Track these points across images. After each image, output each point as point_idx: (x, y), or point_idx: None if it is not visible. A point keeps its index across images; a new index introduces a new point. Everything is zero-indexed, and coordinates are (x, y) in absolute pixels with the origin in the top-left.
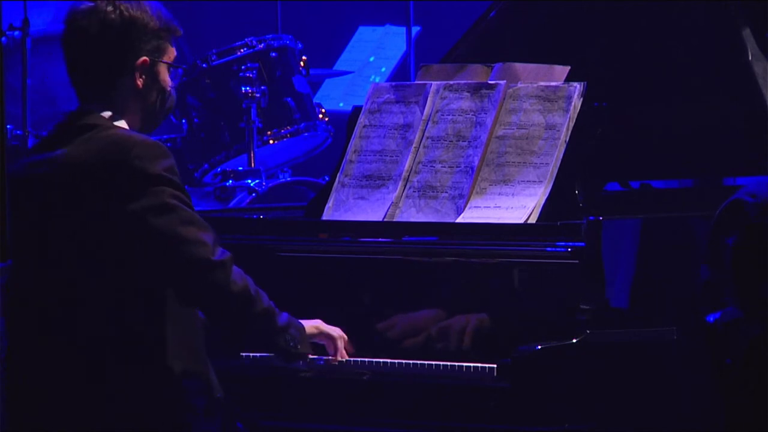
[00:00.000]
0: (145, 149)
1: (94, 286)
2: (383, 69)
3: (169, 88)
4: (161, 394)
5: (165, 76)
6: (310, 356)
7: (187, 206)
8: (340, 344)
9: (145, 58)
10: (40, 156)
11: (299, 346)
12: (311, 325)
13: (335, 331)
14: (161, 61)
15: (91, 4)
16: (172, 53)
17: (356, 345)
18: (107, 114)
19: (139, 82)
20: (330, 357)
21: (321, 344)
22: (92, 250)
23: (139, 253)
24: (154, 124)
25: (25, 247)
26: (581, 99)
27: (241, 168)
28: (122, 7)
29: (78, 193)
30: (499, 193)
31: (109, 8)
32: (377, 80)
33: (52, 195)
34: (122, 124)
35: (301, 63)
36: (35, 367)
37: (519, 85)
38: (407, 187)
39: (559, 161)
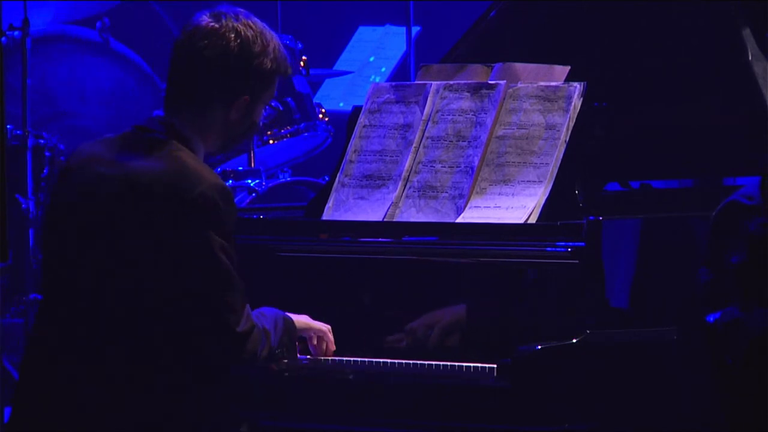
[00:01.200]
0: (210, 194)
1: (119, 303)
2: (383, 69)
3: (258, 123)
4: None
5: (259, 113)
6: (310, 357)
7: (232, 261)
8: (330, 336)
9: (246, 97)
10: (110, 156)
11: (286, 354)
12: (299, 320)
13: (324, 326)
14: (261, 97)
15: (217, 24)
16: (273, 92)
17: (356, 345)
18: (187, 135)
19: (233, 116)
20: (315, 356)
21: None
22: (127, 270)
23: (173, 292)
24: (230, 149)
25: (62, 236)
26: (581, 99)
27: (241, 168)
28: (244, 36)
29: (135, 210)
30: (499, 193)
31: (232, 35)
32: (377, 80)
33: (111, 199)
34: (199, 143)
35: (301, 63)
36: (54, 379)
37: (519, 85)
38: (407, 187)
39: (559, 161)
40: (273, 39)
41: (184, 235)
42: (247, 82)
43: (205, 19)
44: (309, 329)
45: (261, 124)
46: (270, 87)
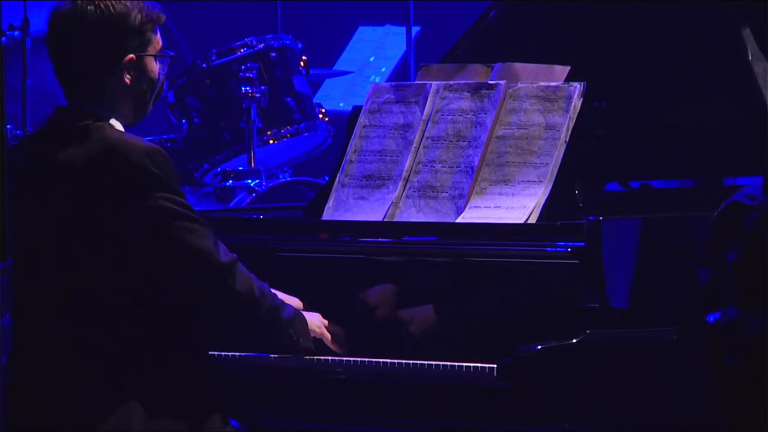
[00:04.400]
0: (143, 155)
1: (88, 290)
2: (383, 69)
3: (157, 77)
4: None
5: (153, 67)
6: (311, 348)
7: (188, 210)
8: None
9: (131, 56)
10: (39, 151)
11: (301, 340)
12: (314, 323)
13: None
14: (147, 55)
15: (71, 5)
16: (157, 43)
17: (356, 345)
18: (98, 112)
19: (126, 80)
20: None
21: (320, 342)
22: (89, 255)
23: (140, 261)
24: (145, 112)
25: (24, 242)
26: (581, 99)
27: (241, 168)
28: (102, 6)
29: (74, 197)
30: (499, 193)
31: (90, 8)
32: (377, 80)
33: (50, 194)
34: (115, 121)
35: (301, 63)
36: (37, 371)
37: (519, 85)
38: (407, 187)
39: (559, 161)
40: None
41: (132, 207)
42: (122, 42)
43: (61, 6)
44: (319, 333)
45: (163, 77)
46: (148, 38)
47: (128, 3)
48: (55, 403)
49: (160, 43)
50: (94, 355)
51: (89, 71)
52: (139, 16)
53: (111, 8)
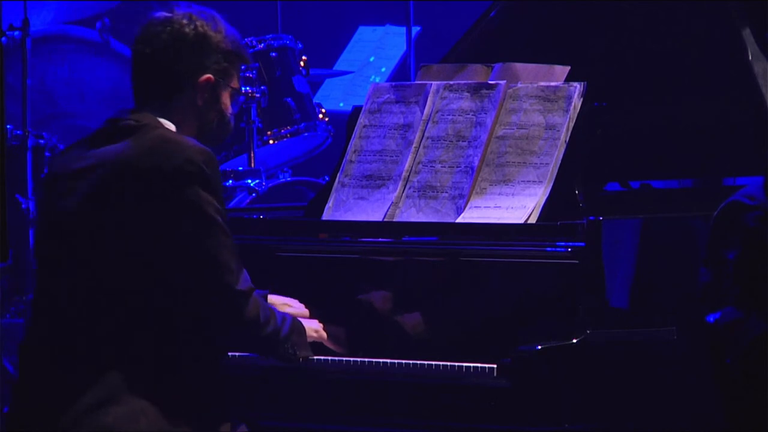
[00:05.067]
0: (195, 154)
1: (115, 285)
2: (383, 69)
3: (228, 113)
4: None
5: (226, 100)
6: (311, 357)
7: (225, 223)
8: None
9: (209, 76)
10: (86, 152)
11: (299, 352)
12: (311, 328)
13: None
14: (226, 84)
15: (170, 14)
16: (236, 81)
17: (356, 345)
18: (160, 117)
19: (199, 99)
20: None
21: (320, 343)
22: (126, 248)
23: (167, 259)
24: (206, 141)
25: (57, 240)
26: (581, 99)
27: (241, 168)
28: (198, 23)
29: (122, 190)
30: (499, 193)
31: (185, 21)
32: (377, 80)
33: (96, 189)
34: (172, 127)
35: (301, 63)
36: (50, 364)
37: (519, 85)
38: (407, 187)
39: (559, 161)
40: (229, 27)
41: (174, 202)
42: (207, 60)
43: (159, 12)
44: (317, 338)
45: (231, 116)
46: (232, 70)
47: (223, 30)
48: (63, 400)
49: (239, 84)
50: (109, 351)
51: (167, 80)
52: (230, 45)
53: (205, 28)
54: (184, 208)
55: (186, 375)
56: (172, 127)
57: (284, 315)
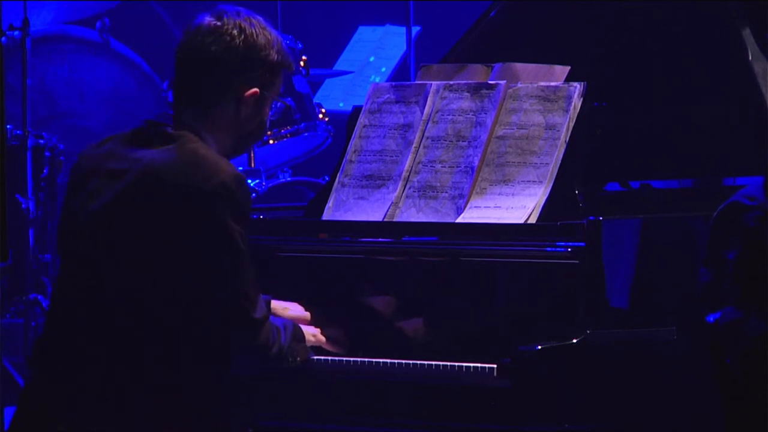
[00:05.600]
0: (229, 179)
1: (138, 290)
2: (383, 69)
3: (266, 121)
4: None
5: (267, 109)
6: (311, 357)
7: (247, 250)
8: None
9: (256, 90)
10: (121, 150)
11: (299, 358)
12: (309, 332)
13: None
14: (270, 92)
15: (219, 22)
16: (279, 87)
17: (356, 345)
18: (197, 128)
19: (243, 112)
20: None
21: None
22: (146, 259)
23: (188, 279)
24: (242, 151)
25: (81, 239)
26: (581, 99)
27: (241, 168)
28: (248, 32)
29: (151, 202)
30: (499, 193)
31: (235, 31)
32: (377, 80)
33: (126, 195)
34: (210, 141)
35: (301, 63)
36: (64, 365)
37: (519, 85)
38: (407, 187)
39: (559, 161)
40: (275, 34)
41: (203, 224)
42: (256, 74)
43: (207, 19)
44: (315, 342)
45: (269, 122)
46: (277, 80)
47: (271, 37)
48: (71, 400)
49: (280, 89)
50: (119, 358)
51: (210, 89)
52: (277, 55)
53: (254, 36)
54: (211, 232)
55: (191, 387)
56: (209, 136)
57: (285, 323)
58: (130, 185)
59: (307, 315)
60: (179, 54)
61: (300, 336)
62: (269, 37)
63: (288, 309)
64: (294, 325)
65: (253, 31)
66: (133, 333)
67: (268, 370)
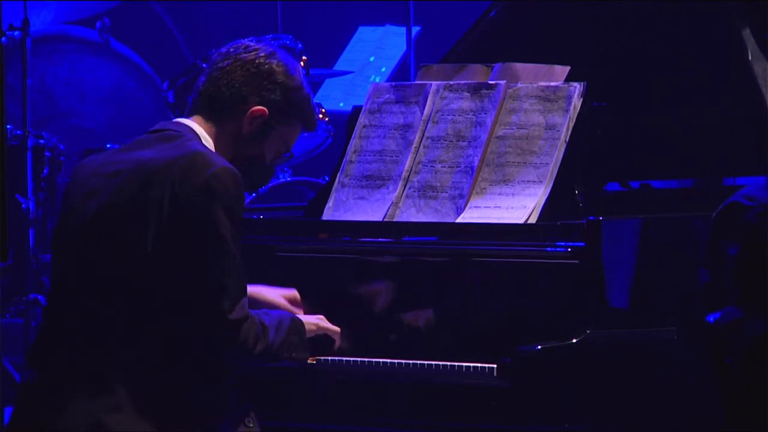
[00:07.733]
0: (223, 172)
1: (130, 285)
2: (383, 69)
3: (265, 159)
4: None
5: (271, 147)
6: (307, 357)
7: (238, 249)
8: (336, 337)
9: (264, 110)
10: (119, 155)
11: (295, 354)
12: (311, 322)
13: (334, 327)
14: (276, 127)
15: (257, 44)
16: (291, 138)
17: (356, 345)
18: (198, 134)
19: (245, 128)
20: (331, 357)
21: (319, 342)
22: (135, 253)
23: (173, 272)
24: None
25: (75, 239)
26: (581, 99)
27: None
28: (279, 56)
29: (142, 195)
30: (499, 193)
31: (267, 52)
32: (377, 80)
33: (118, 192)
34: (209, 143)
35: (301, 63)
36: (62, 362)
37: (519, 85)
38: (407, 187)
39: (559, 161)
40: (305, 79)
41: (192, 215)
42: (267, 92)
43: (244, 44)
44: (318, 330)
45: (269, 168)
46: (289, 120)
47: (298, 80)
48: (66, 400)
49: (293, 142)
50: (113, 354)
51: (221, 98)
52: (295, 95)
53: (283, 63)
54: (199, 225)
55: (189, 386)
56: (208, 140)
57: (281, 317)
58: (121, 182)
59: (296, 295)
60: (209, 70)
61: (299, 329)
62: (297, 74)
63: (271, 298)
64: (292, 318)
65: (283, 60)
66: (128, 330)
67: (269, 370)
